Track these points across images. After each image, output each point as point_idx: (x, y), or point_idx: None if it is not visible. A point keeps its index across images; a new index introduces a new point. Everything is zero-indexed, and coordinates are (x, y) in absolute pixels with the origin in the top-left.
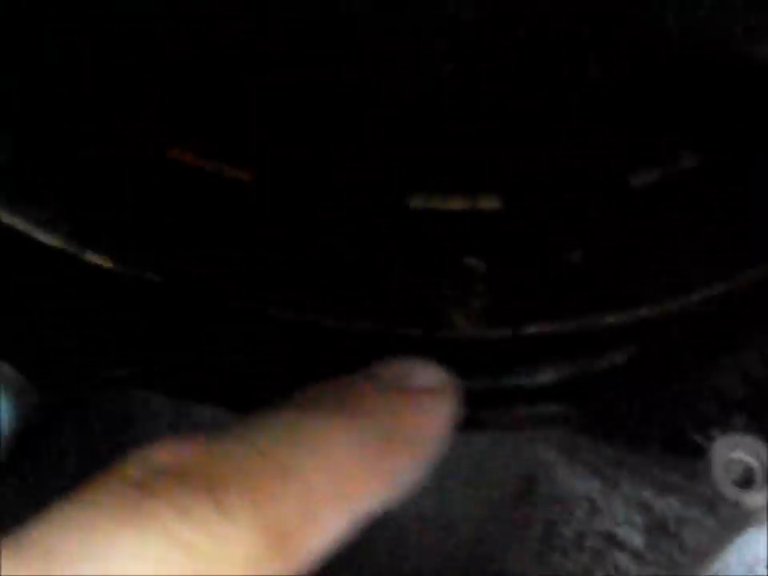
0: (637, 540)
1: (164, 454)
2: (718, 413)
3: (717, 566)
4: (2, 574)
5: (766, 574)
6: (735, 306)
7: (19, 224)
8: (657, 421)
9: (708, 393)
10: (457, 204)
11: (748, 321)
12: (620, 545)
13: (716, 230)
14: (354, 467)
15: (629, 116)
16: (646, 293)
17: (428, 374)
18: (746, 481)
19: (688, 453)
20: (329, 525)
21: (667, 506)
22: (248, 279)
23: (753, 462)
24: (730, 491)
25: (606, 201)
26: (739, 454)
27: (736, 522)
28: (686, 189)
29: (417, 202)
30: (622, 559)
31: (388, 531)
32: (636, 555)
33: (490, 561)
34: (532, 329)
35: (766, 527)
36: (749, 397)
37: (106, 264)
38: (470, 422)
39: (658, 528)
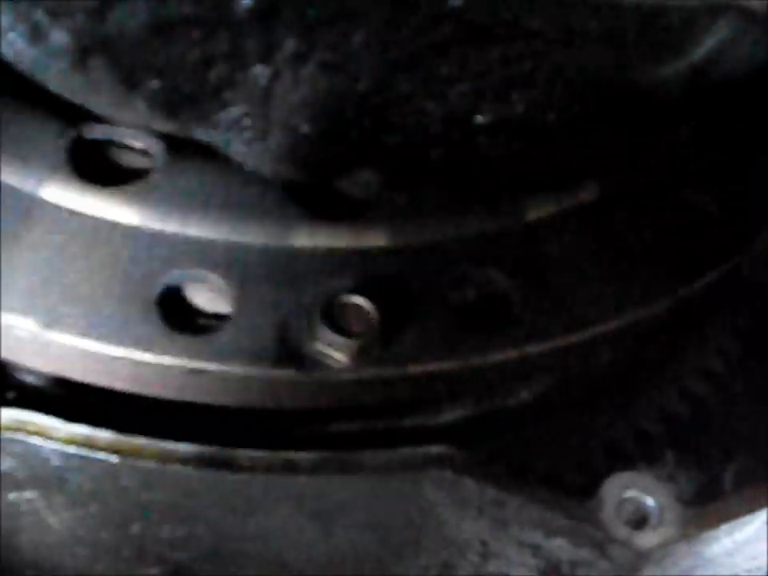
0: None
1: None
2: (604, 453)
3: None
4: None
5: None
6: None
7: None
8: (541, 461)
9: (595, 433)
10: (342, 241)
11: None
12: None
13: (610, 265)
14: None
15: (523, 152)
16: (537, 328)
17: None
18: (639, 521)
19: (577, 493)
20: None
21: (558, 548)
22: None
23: (648, 502)
24: (622, 532)
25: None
26: (632, 493)
27: (630, 563)
28: (585, 221)
29: (302, 240)
30: None
31: None
32: None
33: None
34: (427, 366)
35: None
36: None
37: None
38: (352, 464)
39: (552, 571)
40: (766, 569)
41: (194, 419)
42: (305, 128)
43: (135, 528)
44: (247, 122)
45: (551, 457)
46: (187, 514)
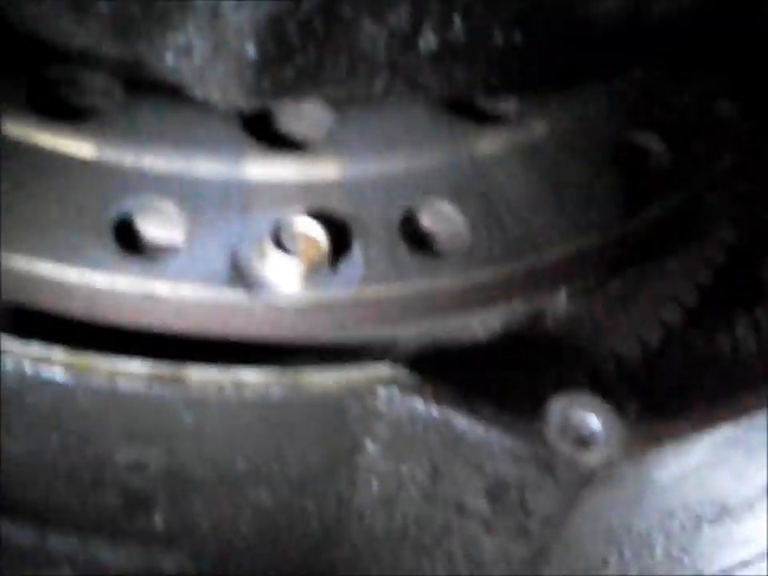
0: (483, 507)
1: None
2: (555, 372)
3: None
4: None
5: None
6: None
7: None
8: (490, 386)
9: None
10: (293, 173)
11: None
12: (468, 513)
13: (556, 197)
14: None
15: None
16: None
17: None
18: (584, 440)
19: (523, 413)
20: None
21: (505, 467)
22: None
23: (593, 421)
24: (566, 450)
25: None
26: (577, 413)
27: (575, 483)
28: (533, 156)
29: (254, 172)
30: (472, 527)
31: None
32: (485, 523)
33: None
34: (374, 290)
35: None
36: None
37: None
38: (300, 383)
39: (500, 492)
40: (718, 501)
41: (146, 344)
42: (250, 52)
43: (91, 451)
44: (195, 46)
45: (500, 383)
46: (141, 436)
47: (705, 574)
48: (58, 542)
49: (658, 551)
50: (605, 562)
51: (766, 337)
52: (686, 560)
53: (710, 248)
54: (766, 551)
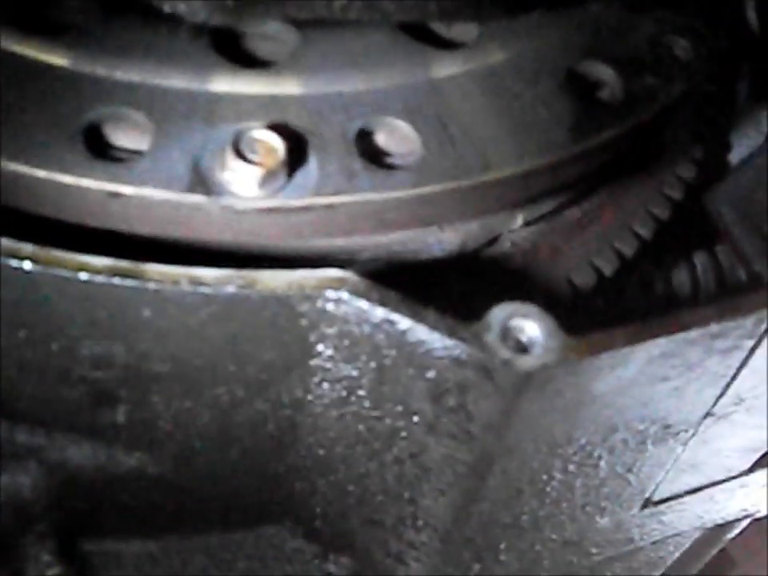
0: (427, 409)
1: None
2: (507, 292)
3: None
4: None
5: None
6: None
7: None
8: (440, 293)
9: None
10: (257, 88)
11: None
12: (414, 416)
13: (510, 120)
14: None
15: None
16: None
17: None
18: (523, 347)
19: (466, 319)
20: None
21: (445, 369)
22: None
23: (532, 328)
24: (505, 354)
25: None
26: (517, 321)
27: (513, 386)
28: (488, 81)
29: (219, 86)
30: (417, 431)
31: None
32: (429, 426)
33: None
34: (328, 198)
35: None
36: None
37: None
38: (254, 278)
39: (442, 395)
40: (659, 419)
41: (110, 245)
42: None
43: (56, 345)
44: None
45: (450, 296)
46: (104, 330)
47: (652, 496)
48: (25, 437)
49: (602, 467)
50: (549, 474)
51: (727, 276)
52: (631, 479)
53: (668, 183)
54: (714, 480)
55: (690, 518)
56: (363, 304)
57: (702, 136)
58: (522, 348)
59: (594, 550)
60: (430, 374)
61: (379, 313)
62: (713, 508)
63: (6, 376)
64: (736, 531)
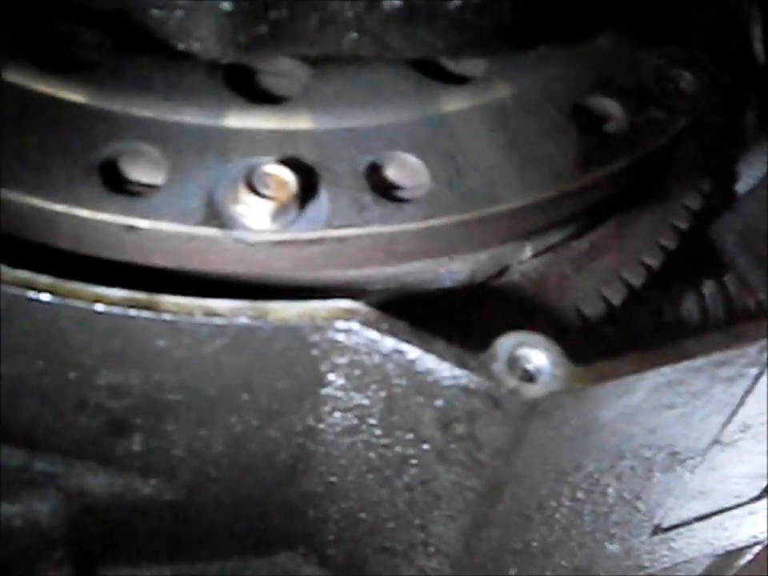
0: (437, 437)
1: None
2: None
3: None
4: None
5: None
6: None
7: None
8: (449, 323)
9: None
10: (269, 123)
11: None
12: (423, 444)
13: (517, 154)
14: None
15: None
16: None
17: None
18: (529, 375)
19: (473, 348)
20: None
21: (453, 397)
22: None
23: (539, 358)
24: (512, 383)
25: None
26: (524, 350)
27: (520, 414)
28: (496, 115)
29: (232, 121)
30: (427, 458)
31: None
32: (439, 454)
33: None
34: (339, 231)
35: None
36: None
37: None
38: (265, 311)
39: (451, 423)
40: (666, 447)
41: (126, 278)
42: (226, 7)
43: (73, 375)
44: (176, 1)
45: (459, 326)
46: (119, 360)
47: (662, 523)
48: (44, 465)
49: (610, 493)
50: (557, 500)
51: (734, 303)
52: (640, 506)
53: (675, 213)
54: (723, 507)
55: (700, 544)
56: (373, 334)
57: (708, 166)
58: (529, 377)
59: None
60: (439, 403)
61: (389, 343)
62: (722, 534)
63: (25, 404)
64: (747, 558)
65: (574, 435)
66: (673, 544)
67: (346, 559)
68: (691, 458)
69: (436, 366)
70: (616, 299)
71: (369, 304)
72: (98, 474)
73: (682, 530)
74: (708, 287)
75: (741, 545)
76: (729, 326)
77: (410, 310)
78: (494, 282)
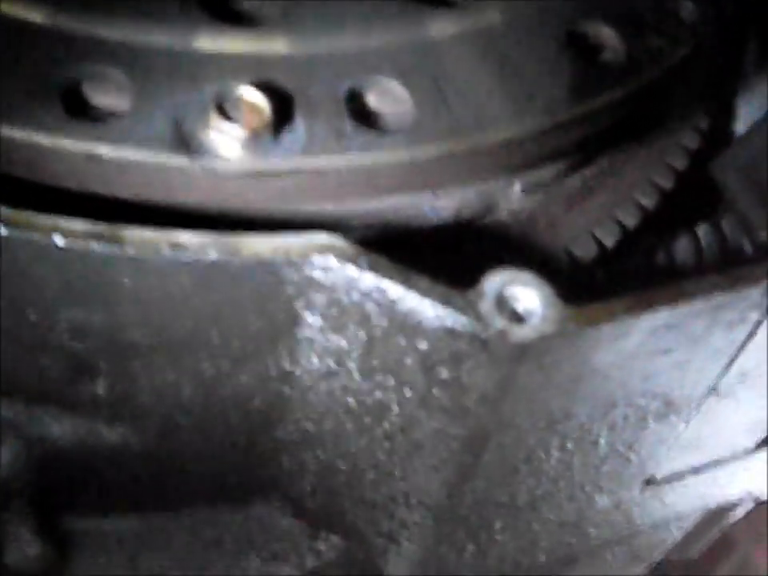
0: (419, 381)
1: None
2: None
3: None
4: None
5: None
6: None
7: None
8: (433, 261)
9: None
10: (242, 46)
11: None
12: (405, 388)
13: (506, 81)
14: None
15: None
16: None
17: None
18: (519, 316)
19: (459, 287)
20: None
21: (438, 339)
22: None
23: (529, 297)
24: (500, 324)
25: None
26: (513, 289)
27: (509, 357)
28: (485, 42)
29: (204, 44)
30: (409, 404)
31: None
32: (421, 399)
33: None
34: (315, 161)
35: None
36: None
37: None
38: (236, 245)
39: (435, 366)
40: (661, 394)
41: (88, 208)
42: None
43: (33, 313)
44: None
45: (443, 264)
46: (81, 297)
47: (654, 476)
48: (3, 410)
49: (602, 444)
50: (546, 451)
51: (732, 248)
52: (632, 457)
53: (671, 152)
54: (716, 459)
55: (692, 498)
56: (352, 270)
57: (706, 103)
58: (519, 318)
59: (592, 532)
60: (422, 345)
61: (368, 280)
62: (715, 489)
63: None
64: (738, 514)
65: (564, 381)
66: (664, 498)
67: (322, 511)
68: (687, 406)
69: (419, 305)
70: (609, 241)
71: (347, 239)
72: (60, 420)
73: (674, 483)
74: (703, 230)
75: (733, 499)
76: (725, 270)
77: (392, 247)
78: (480, 220)
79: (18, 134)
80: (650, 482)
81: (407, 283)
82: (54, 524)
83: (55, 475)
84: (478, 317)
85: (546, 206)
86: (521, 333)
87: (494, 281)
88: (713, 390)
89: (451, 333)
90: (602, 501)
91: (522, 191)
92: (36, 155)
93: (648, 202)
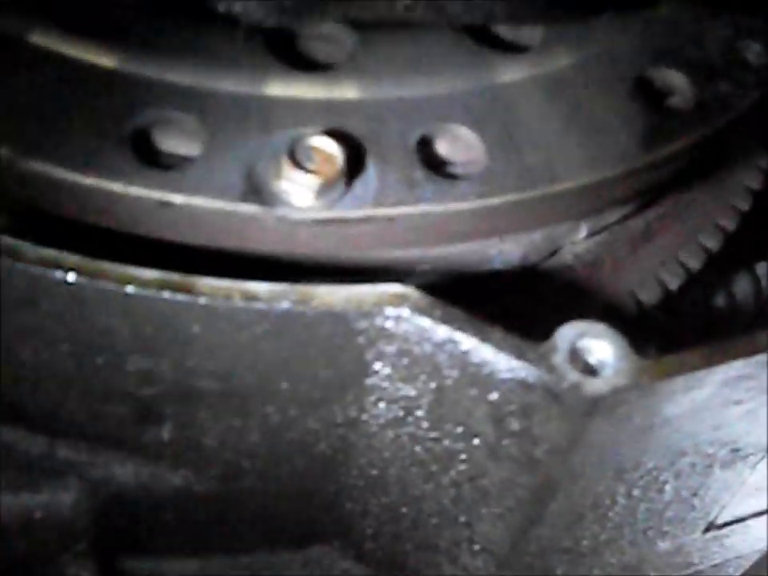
0: (489, 432)
1: None
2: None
3: None
4: None
5: None
6: None
7: None
8: (503, 308)
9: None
10: (313, 92)
11: None
12: (474, 439)
13: (576, 129)
14: None
15: None
16: None
17: None
18: (592, 368)
19: (532, 338)
20: None
21: (509, 391)
22: None
23: (602, 350)
24: (573, 377)
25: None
26: (587, 341)
27: (581, 410)
28: (555, 86)
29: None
30: (477, 454)
31: None
32: (490, 449)
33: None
34: (387, 210)
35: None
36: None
37: None
38: (309, 291)
39: (505, 417)
40: (729, 442)
41: (159, 256)
42: None
43: (101, 359)
44: None
45: (513, 311)
46: (150, 345)
47: (716, 520)
48: (67, 453)
49: (668, 491)
50: (613, 499)
51: None
52: (696, 503)
53: (735, 193)
54: None
55: (753, 540)
56: (425, 322)
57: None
58: (591, 370)
59: (652, 574)
60: (493, 396)
61: (442, 332)
62: None
63: (48, 390)
64: None
65: (635, 432)
66: (725, 541)
67: (384, 555)
68: (753, 454)
69: (492, 357)
70: (673, 283)
71: (419, 288)
72: (124, 463)
73: (736, 526)
74: (763, 268)
75: None
76: None
77: (458, 292)
78: (545, 263)
79: (89, 180)
80: (711, 525)
81: (480, 335)
82: (114, 566)
83: (117, 518)
84: (551, 369)
85: (611, 248)
86: (594, 386)
87: (567, 333)
88: None
89: (524, 385)
90: (664, 544)
91: (588, 234)
92: (107, 202)
93: (712, 243)
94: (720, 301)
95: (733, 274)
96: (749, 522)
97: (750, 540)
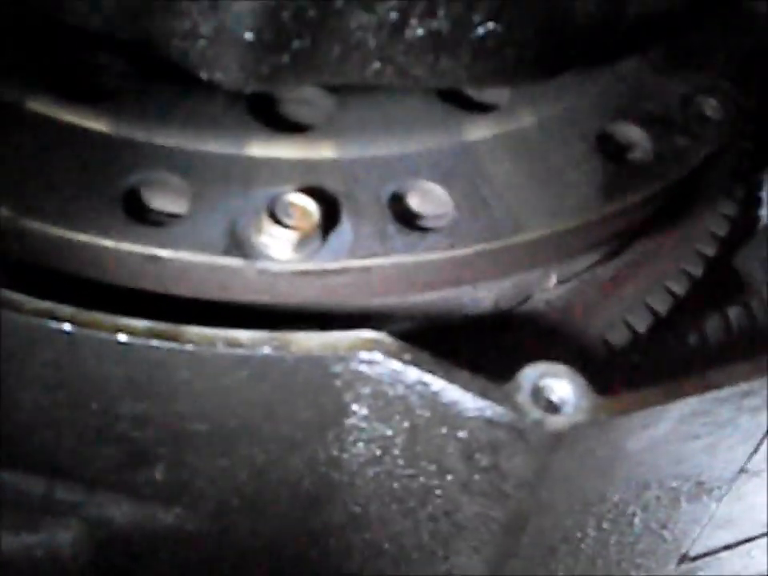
0: (460, 468)
1: None
2: (541, 352)
3: None
4: None
5: None
6: None
7: None
8: (473, 353)
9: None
10: (292, 152)
11: None
12: (447, 475)
13: (541, 182)
14: None
15: None
16: None
17: None
18: (554, 406)
19: (497, 379)
20: None
21: (477, 429)
22: None
23: (563, 389)
24: (536, 414)
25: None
26: (548, 380)
27: (545, 446)
28: (520, 143)
29: (255, 150)
30: (451, 489)
31: None
32: (463, 485)
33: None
34: (361, 261)
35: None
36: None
37: None
38: (288, 342)
39: (475, 454)
40: (693, 476)
41: (150, 307)
42: (249, 38)
43: (95, 405)
44: (199, 31)
45: (483, 355)
46: (142, 390)
47: (689, 552)
48: (66, 494)
49: (637, 523)
50: (582, 531)
51: (761, 327)
52: (666, 535)
53: (701, 240)
54: (750, 535)
55: (727, 573)
56: (396, 365)
57: (734, 192)
58: (554, 408)
59: None
60: (463, 434)
61: (412, 374)
62: (749, 563)
63: (46, 434)
64: None
65: (599, 466)
66: (700, 573)
67: None
68: (718, 487)
69: (460, 397)
70: (641, 326)
71: (391, 334)
72: (120, 503)
73: (708, 558)
74: (733, 311)
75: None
76: (754, 353)
77: (433, 339)
78: (518, 310)
79: (83, 237)
80: (684, 558)
81: (448, 377)
82: None
83: (115, 556)
84: (515, 408)
85: (581, 294)
86: (556, 422)
87: (530, 373)
88: (743, 470)
89: (490, 423)
90: None
91: (558, 281)
92: (100, 257)
93: (679, 288)
94: (692, 341)
95: (705, 315)
96: (721, 555)
97: (722, 572)
